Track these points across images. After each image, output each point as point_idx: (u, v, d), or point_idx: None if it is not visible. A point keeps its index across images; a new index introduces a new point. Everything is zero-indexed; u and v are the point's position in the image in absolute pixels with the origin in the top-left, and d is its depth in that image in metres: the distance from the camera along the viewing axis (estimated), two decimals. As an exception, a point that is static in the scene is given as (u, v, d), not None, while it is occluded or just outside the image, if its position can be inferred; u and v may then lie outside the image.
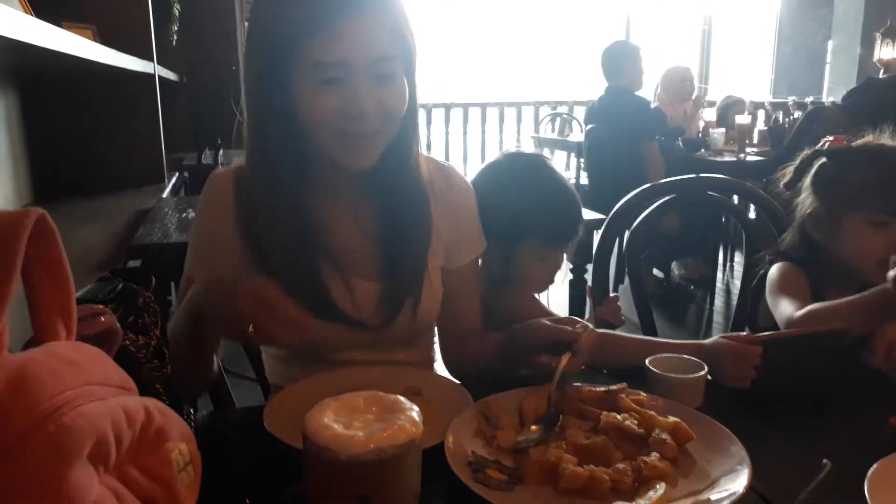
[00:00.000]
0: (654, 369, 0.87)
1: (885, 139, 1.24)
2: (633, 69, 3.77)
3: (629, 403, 0.79)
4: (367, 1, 0.88)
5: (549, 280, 1.21)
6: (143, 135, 2.71)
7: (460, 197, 1.08)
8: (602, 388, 0.82)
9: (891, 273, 1.01)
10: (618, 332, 1.09)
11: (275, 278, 0.91)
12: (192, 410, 0.94)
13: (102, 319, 0.63)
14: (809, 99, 5.70)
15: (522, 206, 1.12)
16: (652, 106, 3.91)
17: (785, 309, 1.14)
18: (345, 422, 0.59)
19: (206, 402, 1.14)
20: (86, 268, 1.55)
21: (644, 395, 0.83)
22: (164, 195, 2.51)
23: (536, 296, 1.22)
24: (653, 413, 0.76)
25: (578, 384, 0.85)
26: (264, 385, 1.22)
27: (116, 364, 0.47)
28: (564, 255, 1.21)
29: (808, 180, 1.26)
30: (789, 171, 1.29)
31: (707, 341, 1.00)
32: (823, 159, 1.25)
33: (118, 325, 0.64)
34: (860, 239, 1.17)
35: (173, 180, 2.84)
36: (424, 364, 1.11)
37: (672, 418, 0.76)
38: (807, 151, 1.28)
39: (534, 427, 0.78)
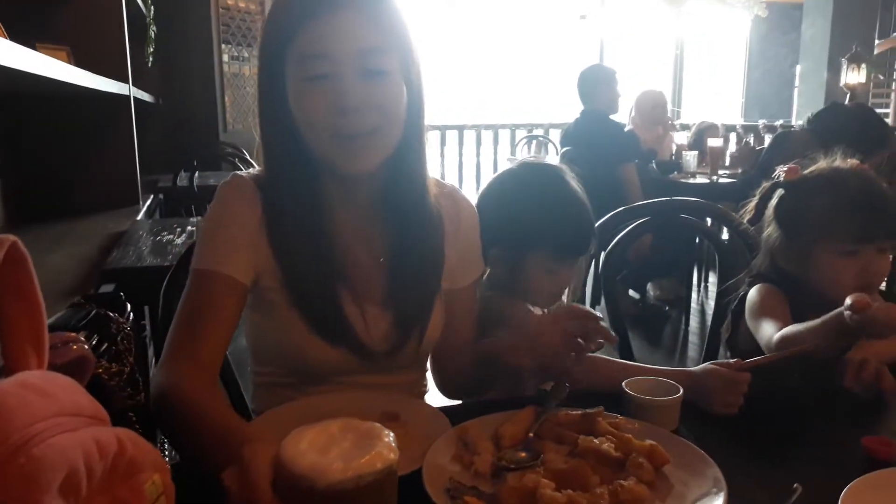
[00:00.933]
0: (631, 392, 0.87)
1: (838, 162, 1.24)
2: (608, 93, 3.83)
3: (606, 427, 0.79)
4: None
5: (555, 296, 1.19)
6: (118, 156, 2.68)
7: (466, 220, 1.07)
8: (579, 412, 0.82)
9: (848, 300, 0.99)
10: (602, 354, 1.09)
11: (294, 295, 0.90)
12: (164, 439, 0.92)
13: (74, 347, 0.62)
14: (779, 122, 5.85)
15: (534, 215, 1.11)
16: (626, 129, 3.97)
17: (766, 331, 1.14)
18: (321, 449, 0.59)
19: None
20: (57, 293, 1.52)
21: (621, 418, 0.84)
22: (139, 218, 2.48)
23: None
24: (629, 436, 0.77)
25: (555, 407, 0.86)
26: (241, 413, 1.20)
27: (88, 393, 0.46)
28: (573, 273, 1.19)
29: (770, 212, 1.26)
30: (751, 207, 1.28)
31: (696, 368, 1.00)
32: (782, 190, 1.25)
33: (90, 352, 0.63)
34: (830, 269, 1.17)
35: (148, 202, 2.81)
36: (418, 387, 1.10)
37: (649, 441, 0.76)
38: (765, 184, 1.27)
39: (522, 454, 0.77)
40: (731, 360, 0.99)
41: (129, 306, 0.86)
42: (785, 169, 1.25)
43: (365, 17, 0.87)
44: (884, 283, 1.94)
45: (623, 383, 0.89)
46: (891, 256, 1.21)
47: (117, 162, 2.68)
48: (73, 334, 0.65)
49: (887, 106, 11.42)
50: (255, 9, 4.81)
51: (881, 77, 10.59)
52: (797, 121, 6.72)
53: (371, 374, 1.00)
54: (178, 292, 1.10)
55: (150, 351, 2.16)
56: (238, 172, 0.99)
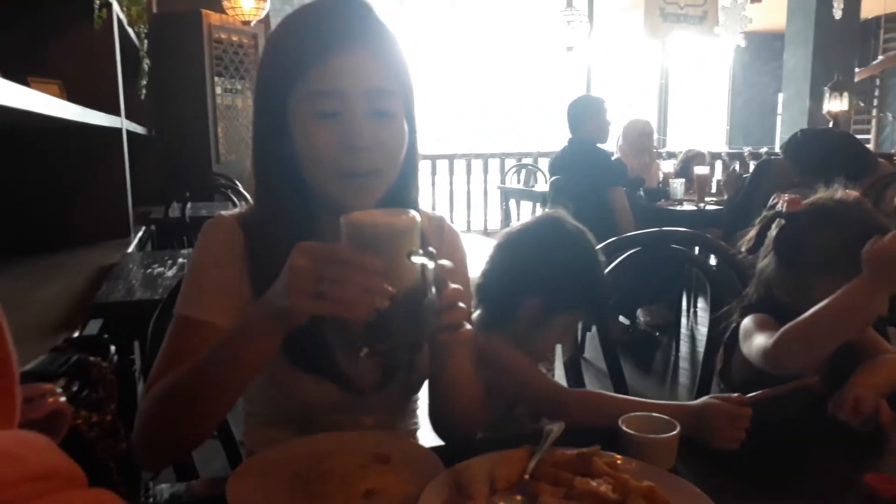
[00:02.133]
0: (627, 429, 0.87)
1: (840, 194, 1.23)
2: (597, 122, 3.88)
3: (603, 467, 0.79)
4: (364, 35, 0.89)
5: (547, 348, 1.23)
6: (110, 189, 2.68)
7: (450, 246, 1.07)
8: (574, 451, 0.81)
9: (867, 248, 0.96)
10: (599, 390, 1.09)
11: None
12: (150, 483, 0.90)
13: (50, 401, 0.59)
14: (764, 149, 5.93)
15: (561, 272, 1.14)
16: (613, 157, 4.01)
17: (758, 341, 1.12)
18: None
19: (168, 473, 1.10)
20: (45, 327, 1.51)
21: (618, 457, 0.83)
22: (130, 250, 2.47)
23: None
24: (627, 477, 0.76)
25: (550, 446, 0.85)
26: (231, 452, 1.19)
27: (63, 452, 0.44)
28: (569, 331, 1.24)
29: (769, 242, 1.25)
30: (750, 237, 1.28)
31: (696, 402, 0.99)
32: (783, 221, 1.24)
33: (67, 405, 0.61)
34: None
35: (139, 234, 2.80)
36: (410, 425, 1.09)
37: (647, 483, 0.76)
38: (765, 213, 1.27)
39: (518, 497, 0.77)
40: (733, 395, 0.98)
41: (112, 349, 0.85)
42: (786, 199, 1.24)
43: (377, 58, 0.89)
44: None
45: (619, 420, 0.89)
46: None
47: (109, 194, 2.67)
48: (50, 385, 0.63)
49: (868, 132, 11.65)
50: (248, 42, 4.85)
51: (861, 104, 10.80)
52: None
53: (361, 412, 0.99)
54: (166, 328, 1.09)
55: (141, 386, 2.14)
56: (222, 213, 0.99)
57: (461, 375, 0.95)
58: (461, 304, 0.78)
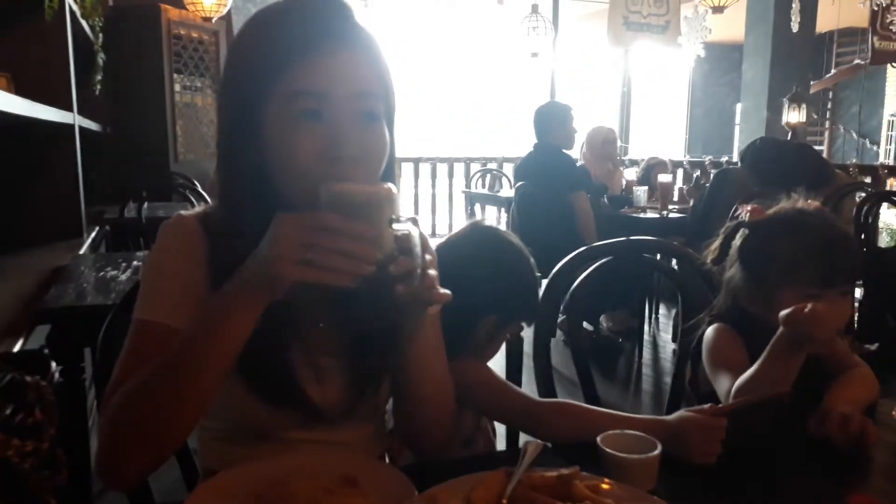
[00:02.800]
0: (607, 449, 0.84)
1: (801, 204, 1.23)
2: (563, 129, 3.89)
3: (584, 490, 0.76)
4: (346, 35, 0.83)
5: (494, 353, 1.21)
6: (61, 186, 2.57)
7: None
8: (554, 473, 0.78)
9: (782, 314, 1.02)
10: (571, 400, 1.06)
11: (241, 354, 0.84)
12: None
13: None
14: (725, 158, 6.04)
15: (484, 283, 1.11)
16: (577, 164, 4.03)
17: (723, 385, 1.13)
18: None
19: (121, 499, 1.03)
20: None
21: (602, 481, 0.80)
22: (82, 251, 2.37)
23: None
24: (610, 501, 0.73)
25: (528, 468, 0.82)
26: (185, 465, 1.12)
27: None
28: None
29: (734, 253, 1.25)
30: (715, 248, 1.28)
31: (671, 417, 0.97)
32: (747, 231, 1.24)
33: None
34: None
35: (93, 235, 2.69)
36: (376, 441, 1.03)
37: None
38: (729, 224, 1.27)
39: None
40: (706, 406, 0.96)
41: (53, 366, 0.77)
42: (748, 207, 1.25)
43: (361, 60, 0.84)
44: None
45: (598, 438, 0.86)
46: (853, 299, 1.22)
47: (60, 192, 2.57)
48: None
49: (822, 143, 12.03)
50: (209, 39, 4.73)
51: (814, 116, 11.15)
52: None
53: (322, 430, 0.93)
54: (119, 334, 1.02)
55: (91, 395, 2.04)
56: (182, 212, 0.92)
57: (429, 350, 0.91)
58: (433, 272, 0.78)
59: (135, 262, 2.16)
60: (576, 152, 4.32)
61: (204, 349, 0.76)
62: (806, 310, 0.99)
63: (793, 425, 0.99)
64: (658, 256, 1.84)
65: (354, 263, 0.69)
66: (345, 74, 0.82)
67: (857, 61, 10.37)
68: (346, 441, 0.95)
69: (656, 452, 0.83)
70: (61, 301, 1.68)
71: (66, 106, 2.46)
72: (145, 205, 3.09)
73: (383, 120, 0.86)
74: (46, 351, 0.83)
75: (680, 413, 0.96)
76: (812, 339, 1.02)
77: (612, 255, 1.51)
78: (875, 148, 11.79)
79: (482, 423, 1.21)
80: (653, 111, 12.30)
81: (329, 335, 0.92)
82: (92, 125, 3.21)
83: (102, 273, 2.01)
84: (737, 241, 1.26)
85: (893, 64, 7.32)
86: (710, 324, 1.26)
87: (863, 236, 3.59)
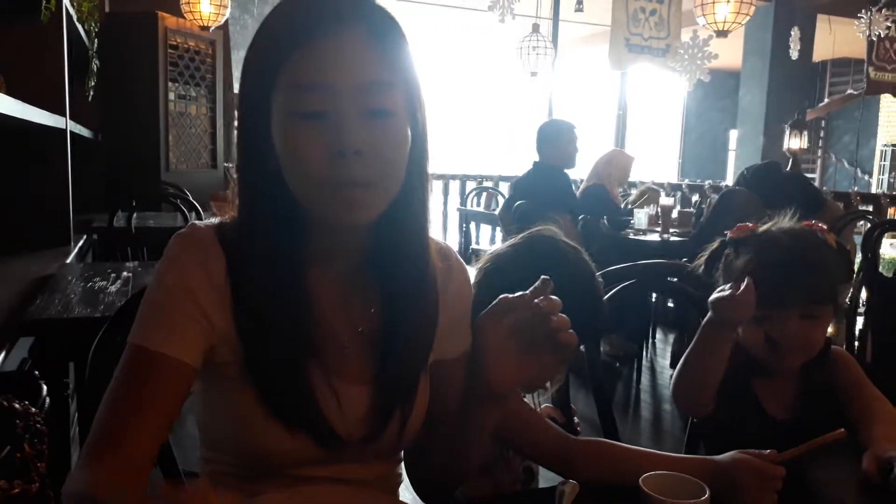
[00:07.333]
0: (652, 493, 0.76)
1: (785, 223, 1.18)
2: (566, 147, 3.85)
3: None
4: (355, 13, 0.74)
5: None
6: (50, 192, 2.49)
7: (458, 283, 0.93)
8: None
9: (710, 298, 1.06)
10: (607, 440, 0.98)
11: (253, 370, 0.77)
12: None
13: None
14: (723, 183, 6.03)
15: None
16: (591, 183, 3.99)
17: None
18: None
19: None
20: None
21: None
22: (69, 260, 2.27)
23: None
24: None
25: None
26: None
27: None
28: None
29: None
30: (698, 264, 1.25)
31: (723, 457, 0.89)
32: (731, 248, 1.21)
33: None
34: (743, 332, 1.12)
35: (80, 244, 2.60)
36: (392, 481, 0.94)
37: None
38: (718, 239, 1.23)
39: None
40: (765, 451, 0.88)
41: (44, 389, 0.68)
42: (738, 226, 1.21)
43: (372, 43, 0.75)
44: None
45: (640, 480, 0.78)
46: (829, 322, 1.14)
47: (48, 198, 2.48)
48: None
49: (814, 171, 12.12)
50: (206, 48, 4.67)
51: (808, 143, 11.24)
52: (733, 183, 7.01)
53: (338, 466, 0.84)
54: (110, 354, 0.93)
55: (75, 418, 1.93)
56: (196, 222, 0.83)
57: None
58: None
59: (125, 273, 2.07)
60: (577, 172, 4.28)
61: None
62: (725, 294, 1.04)
63: (849, 472, 0.92)
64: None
65: None
66: (349, 63, 0.74)
67: (849, 91, 10.48)
68: (362, 479, 0.87)
69: (705, 497, 0.76)
70: (47, 312, 1.59)
71: (58, 110, 2.39)
72: (135, 214, 3.00)
73: (400, 115, 0.77)
74: (36, 372, 0.74)
75: (733, 454, 0.89)
76: (733, 321, 1.06)
77: (634, 279, 1.46)
78: (867, 177, 11.89)
79: (505, 453, 1.12)
80: (647, 135, 12.36)
81: (353, 361, 0.85)
82: (84, 131, 3.13)
83: (90, 283, 1.92)
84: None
85: (891, 94, 7.37)
86: None
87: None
